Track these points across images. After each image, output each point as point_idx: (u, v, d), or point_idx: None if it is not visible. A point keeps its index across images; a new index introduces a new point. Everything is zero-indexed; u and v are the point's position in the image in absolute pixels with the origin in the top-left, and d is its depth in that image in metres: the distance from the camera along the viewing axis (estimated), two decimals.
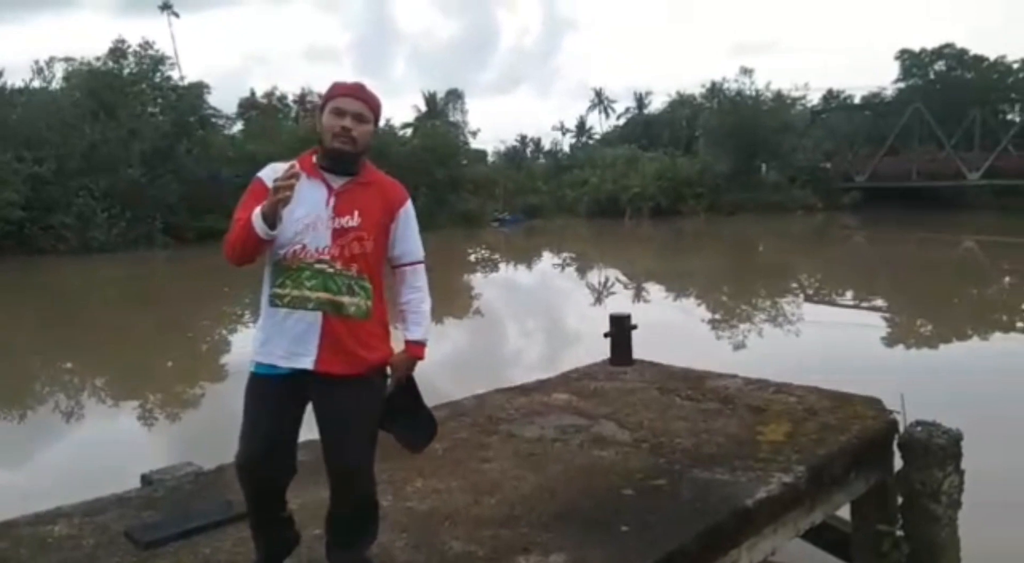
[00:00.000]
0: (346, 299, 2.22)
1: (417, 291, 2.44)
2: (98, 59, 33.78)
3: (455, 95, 60.58)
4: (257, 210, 2.12)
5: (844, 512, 3.97)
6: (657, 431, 3.82)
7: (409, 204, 2.41)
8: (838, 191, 46.45)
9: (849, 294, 17.29)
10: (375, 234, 2.27)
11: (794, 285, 18.73)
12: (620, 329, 5.13)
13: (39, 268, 24.51)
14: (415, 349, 2.44)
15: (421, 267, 2.46)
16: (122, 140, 29.80)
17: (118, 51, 33.94)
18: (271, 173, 2.25)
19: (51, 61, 34.50)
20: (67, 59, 34.50)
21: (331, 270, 2.20)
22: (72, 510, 3.07)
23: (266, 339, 2.23)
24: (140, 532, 2.79)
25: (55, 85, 34.19)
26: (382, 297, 2.34)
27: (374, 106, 2.30)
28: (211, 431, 7.20)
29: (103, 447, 7.33)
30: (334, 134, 2.21)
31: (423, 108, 56.87)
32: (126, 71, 33.77)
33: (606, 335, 5.20)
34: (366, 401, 2.31)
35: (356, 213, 2.23)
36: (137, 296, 19.29)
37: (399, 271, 2.42)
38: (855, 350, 10.09)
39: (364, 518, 2.44)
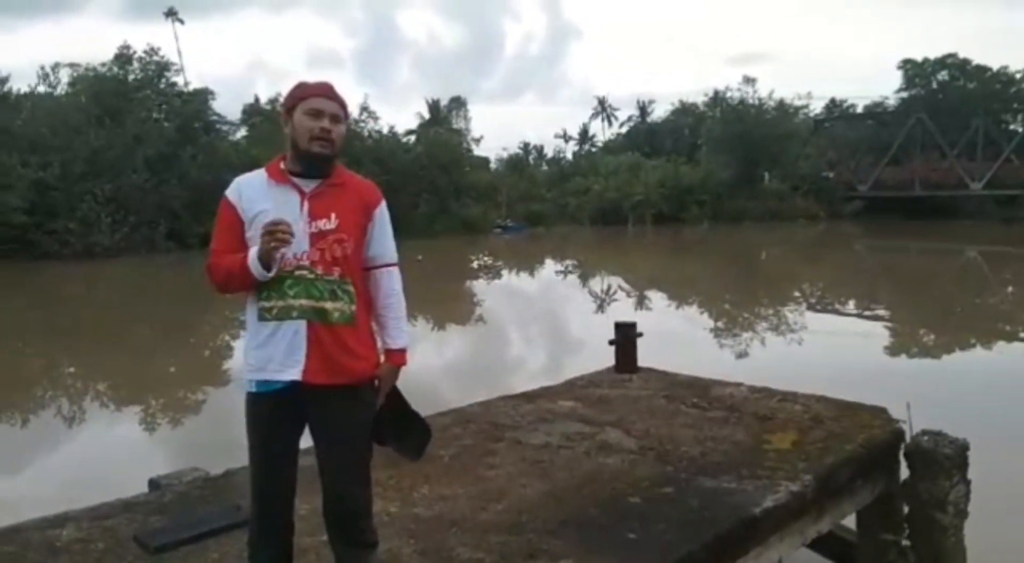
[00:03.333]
0: (329, 305, 2.15)
1: (395, 295, 2.35)
2: (103, 65, 34.01)
3: (458, 102, 60.76)
4: (254, 254, 2.09)
5: (850, 522, 3.97)
6: (663, 439, 3.82)
7: (384, 204, 2.33)
8: (840, 200, 46.56)
9: (852, 303, 17.27)
10: (354, 235, 2.21)
11: (797, 294, 18.74)
12: (625, 337, 5.14)
13: (43, 272, 24.57)
14: (399, 357, 2.35)
15: (396, 269, 2.38)
16: (127, 145, 29.94)
17: (123, 57, 34.13)
18: (237, 190, 2.21)
19: (56, 67, 34.76)
20: (72, 65, 34.75)
21: (312, 276, 2.14)
22: (80, 514, 3.08)
23: (260, 355, 2.17)
24: (149, 536, 2.80)
25: (60, 90, 34.37)
26: (365, 302, 2.28)
27: (345, 107, 2.25)
28: (215, 436, 7.21)
29: (107, 452, 7.33)
30: (313, 137, 2.14)
31: (426, 115, 57.09)
32: (131, 77, 33.98)
33: (611, 343, 5.21)
34: (356, 415, 2.25)
35: (333, 215, 2.16)
36: (140, 301, 19.31)
37: (374, 274, 2.31)
38: (859, 359, 10.08)
39: (356, 534, 2.34)
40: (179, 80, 36.86)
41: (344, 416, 2.22)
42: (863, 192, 46.92)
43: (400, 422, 2.44)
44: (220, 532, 2.83)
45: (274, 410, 2.19)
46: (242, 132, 42.39)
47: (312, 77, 2.26)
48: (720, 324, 14.38)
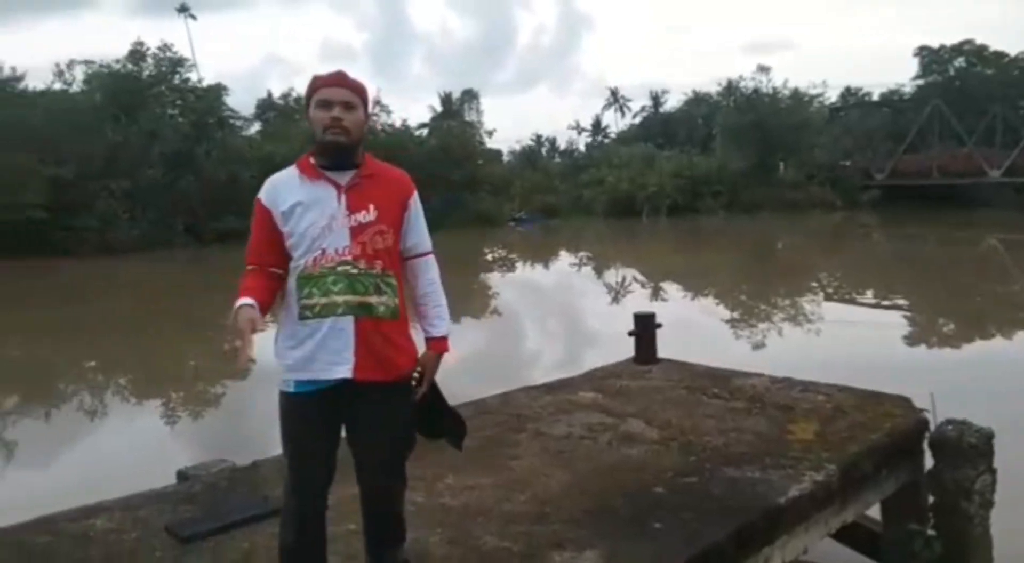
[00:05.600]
0: (374, 299, 2.13)
1: (434, 283, 2.35)
2: (117, 62, 34.26)
3: (470, 95, 60.73)
4: (236, 308, 2.04)
5: (875, 512, 3.96)
6: (685, 429, 3.82)
7: (416, 193, 2.32)
8: (857, 189, 46.05)
9: (870, 293, 17.14)
10: (394, 226, 2.19)
11: (814, 284, 18.61)
12: (645, 328, 5.14)
13: (62, 269, 24.83)
14: (441, 345, 2.36)
15: (433, 258, 2.37)
16: (142, 142, 30.20)
17: (137, 54, 34.40)
18: (270, 190, 2.19)
19: (71, 64, 35.03)
20: (87, 62, 35.03)
21: (355, 271, 2.11)
22: (112, 505, 3.13)
23: (302, 354, 2.12)
24: (180, 527, 2.84)
25: (75, 88, 34.64)
26: (403, 294, 2.26)
27: (360, 92, 2.19)
28: (237, 428, 7.30)
29: (132, 444, 7.42)
30: (325, 127, 2.12)
31: (439, 108, 57.08)
32: (145, 73, 34.22)
33: (630, 334, 5.21)
34: (400, 410, 2.25)
35: (371, 207, 2.14)
36: (158, 296, 19.47)
37: (412, 263, 2.31)
38: (879, 349, 10.01)
39: (392, 529, 2.39)
40: (192, 76, 37.13)
41: (389, 411, 2.21)
42: (880, 181, 46.41)
43: (438, 413, 2.43)
44: (249, 522, 2.87)
45: (315, 409, 2.16)
46: (256, 127, 42.67)
47: (324, 70, 2.22)
48: (737, 315, 14.32)
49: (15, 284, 22.32)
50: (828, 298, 16.43)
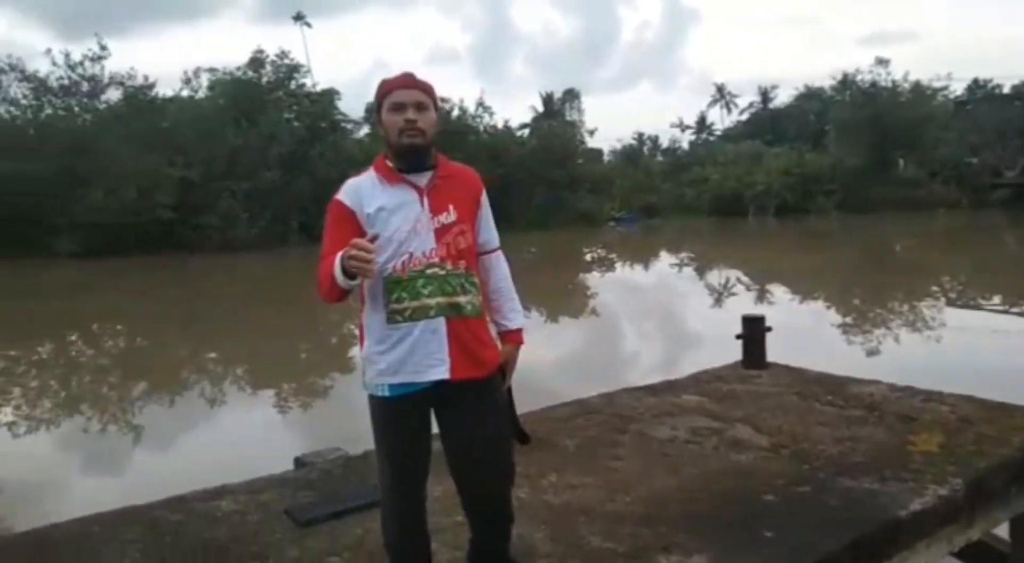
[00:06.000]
0: (462, 298, 2.14)
1: (507, 277, 2.36)
2: (239, 69, 36.15)
3: (572, 94, 60.50)
4: (339, 263, 1.99)
5: (1002, 531, 3.71)
6: (797, 437, 3.70)
7: (484, 190, 2.30)
8: (985, 187, 43.04)
9: (997, 299, 15.99)
10: (472, 225, 2.20)
11: (935, 288, 17.53)
12: (754, 331, 5.00)
13: (187, 265, 26.55)
14: (519, 337, 2.36)
15: (501, 253, 2.37)
16: (261, 145, 31.79)
17: (257, 61, 36.17)
18: (352, 193, 2.17)
19: (197, 71, 37.20)
20: (211, 69, 37.10)
21: (443, 272, 2.11)
22: (237, 488, 3.33)
23: (395, 358, 2.12)
24: (299, 511, 2.99)
25: (201, 94, 36.84)
26: (482, 291, 2.27)
27: (430, 91, 2.17)
28: (345, 418, 7.57)
29: (250, 431, 7.84)
30: (400, 130, 2.09)
31: (540, 108, 57.25)
32: (264, 80, 35.96)
33: (738, 336, 5.08)
34: (495, 405, 2.25)
35: (451, 207, 2.14)
36: (274, 291, 20.48)
37: (485, 259, 2.31)
38: (1009, 358, 9.33)
39: (502, 532, 2.37)
40: (307, 81, 38.74)
41: (485, 408, 2.21)
42: (1011, 178, 43.15)
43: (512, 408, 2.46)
44: (363, 509, 2.98)
45: (410, 412, 2.17)
46: (364, 130, 44.02)
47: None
48: (850, 320, 13.68)
49: (148, 278, 24.02)
50: (951, 303, 15.44)
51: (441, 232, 2.12)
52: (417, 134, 2.10)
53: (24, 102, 32.51)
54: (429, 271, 2.10)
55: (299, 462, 3.72)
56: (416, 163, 2.15)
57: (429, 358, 2.11)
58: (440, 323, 2.11)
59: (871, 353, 10.62)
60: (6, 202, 27.40)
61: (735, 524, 2.80)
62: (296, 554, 2.72)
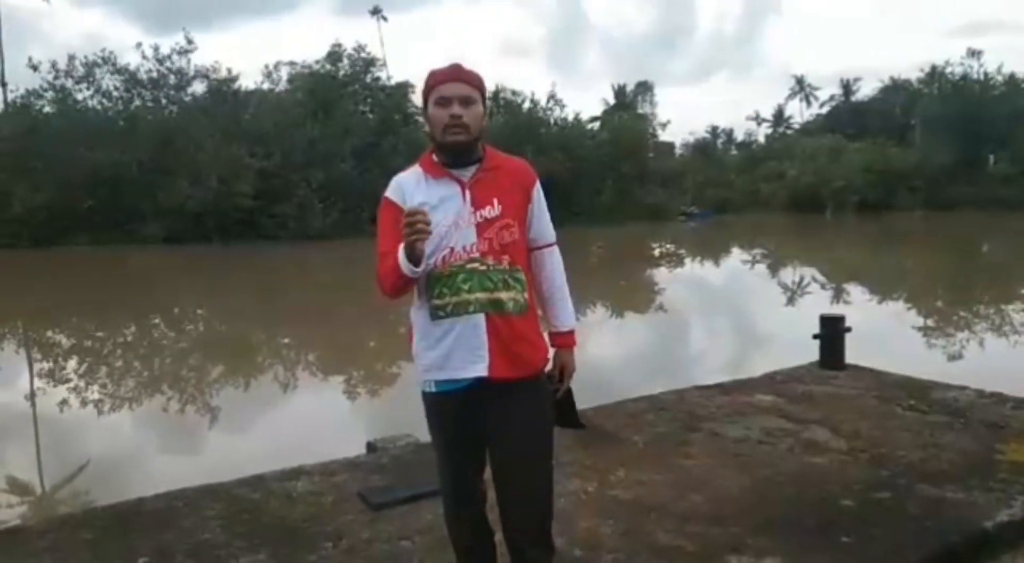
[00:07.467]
0: (504, 295, 2.06)
1: (560, 275, 2.25)
2: (317, 62, 37.06)
3: (645, 87, 59.93)
4: (401, 251, 1.98)
5: None
6: (876, 441, 3.58)
7: (538, 182, 2.20)
8: None
9: None
10: (519, 219, 2.12)
11: None
12: (832, 331, 4.85)
13: (265, 252, 27.39)
14: (570, 339, 2.27)
15: (556, 249, 2.27)
16: (337, 137, 32.53)
17: (334, 54, 37.02)
18: (397, 189, 2.15)
19: (277, 65, 38.32)
20: (291, 63, 38.18)
21: (484, 267, 2.05)
22: (312, 469, 3.43)
23: (438, 353, 2.09)
24: (371, 494, 3.06)
25: (280, 87, 37.92)
26: (531, 289, 2.16)
27: (477, 84, 2.09)
28: (413, 406, 7.70)
29: (323, 415, 8.04)
30: (445, 126, 2.04)
31: (612, 100, 56.80)
32: (341, 73, 36.75)
33: (815, 336, 4.94)
34: (540, 406, 2.17)
35: (495, 201, 2.07)
36: (345, 280, 20.94)
37: (537, 254, 2.22)
38: None
39: (542, 533, 2.18)
40: (382, 74, 39.39)
41: (530, 409, 2.13)
42: None
43: (570, 405, 2.36)
44: (433, 495, 3.02)
45: (458, 408, 2.14)
46: None
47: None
48: (932, 322, 13.11)
49: (227, 264, 24.93)
50: None
51: (483, 226, 2.06)
52: (461, 131, 2.05)
53: (115, 94, 34.06)
54: (469, 266, 2.05)
55: (371, 446, 3.80)
56: (461, 158, 2.10)
57: (470, 354, 2.06)
58: (480, 319, 2.05)
59: (953, 358, 10.15)
60: (98, 190, 28.85)
61: (810, 528, 2.73)
62: (368, 536, 2.78)
